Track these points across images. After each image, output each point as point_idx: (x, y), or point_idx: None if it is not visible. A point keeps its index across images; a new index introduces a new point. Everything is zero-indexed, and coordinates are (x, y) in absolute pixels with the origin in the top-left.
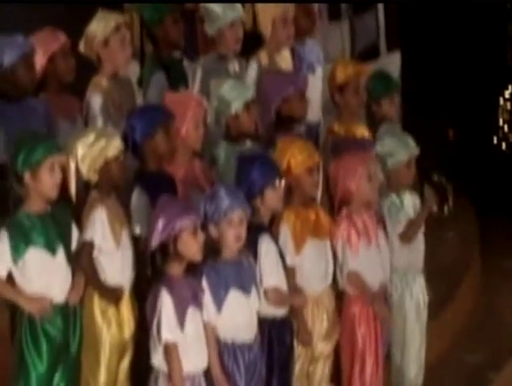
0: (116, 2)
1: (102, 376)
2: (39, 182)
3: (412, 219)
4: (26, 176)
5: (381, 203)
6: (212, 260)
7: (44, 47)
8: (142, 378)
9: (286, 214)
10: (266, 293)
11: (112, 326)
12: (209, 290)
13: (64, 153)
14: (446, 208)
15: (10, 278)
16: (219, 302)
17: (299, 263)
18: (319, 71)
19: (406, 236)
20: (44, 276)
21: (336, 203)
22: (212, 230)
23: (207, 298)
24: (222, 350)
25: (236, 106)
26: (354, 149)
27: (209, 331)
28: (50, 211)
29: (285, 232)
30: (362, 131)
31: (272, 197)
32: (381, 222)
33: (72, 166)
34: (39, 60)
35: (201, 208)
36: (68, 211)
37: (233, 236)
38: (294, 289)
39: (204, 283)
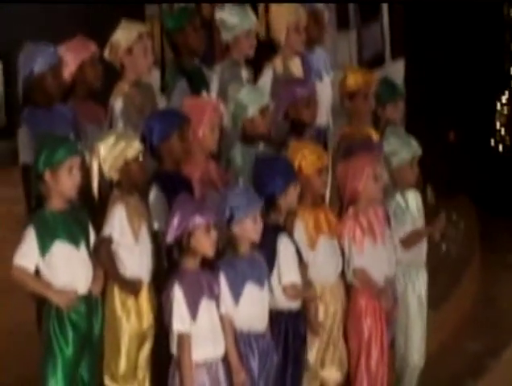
0: (139, 10)
1: (123, 362)
2: (58, 181)
3: (416, 230)
4: (47, 175)
5: (388, 204)
6: (229, 256)
7: (75, 56)
8: (165, 365)
9: (300, 212)
10: (284, 289)
11: (131, 317)
12: (227, 285)
13: (82, 155)
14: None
15: (36, 272)
16: (236, 295)
17: (313, 258)
18: (326, 77)
19: (407, 244)
20: (69, 268)
21: (344, 203)
22: (235, 227)
23: (225, 292)
24: (238, 339)
25: (252, 110)
26: (364, 151)
27: (227, 323)
28: (70, 209)
29: (300, 229)
30: (371, 134)
31: (293, 195)
32: (387, 220)
33: (95, 166)
34: (70, 68)
35: (224, 207)
36: (85, 210)
37: (253, 232)
38: (306, 282)
39: (222, 278)
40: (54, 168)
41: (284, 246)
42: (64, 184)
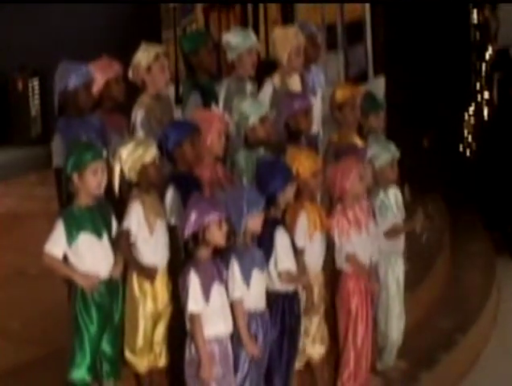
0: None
1: (140, 338)
2: (85, 182)
3: (398, 225)
4: (75, 177)
5: (373, 201)
6: (239, 246)
7: (101, 74)
8: (178, 340)
9: (304, 208)
10: (280, 274)
11: (147, 299)
12: (240, 272)
13: (107, 159)
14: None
15: (64, 259)
16: (247, 280)
17: (311, 247)
18: (319, 92)
19: (389, 236)
20: (92, 256)
21: (333, 200)
22: (248, 221)
23: (238, 278)
24: (248, 318)
25: (253, 120)
26: (351, 154)
27: (239, 304)
28: (96, 206)
29: (303, 221)
30: (356, 141)
31: (290, 193)
32: (371, 214)
33: (117, 169)
34: (97, 84)
35: (242, 204)
36: (110, 206)
37: (259, 225)
38: (302, 269)
39: (236, 266)
40: (81, 171)
41: (281, 237)
42: (89, 184)
